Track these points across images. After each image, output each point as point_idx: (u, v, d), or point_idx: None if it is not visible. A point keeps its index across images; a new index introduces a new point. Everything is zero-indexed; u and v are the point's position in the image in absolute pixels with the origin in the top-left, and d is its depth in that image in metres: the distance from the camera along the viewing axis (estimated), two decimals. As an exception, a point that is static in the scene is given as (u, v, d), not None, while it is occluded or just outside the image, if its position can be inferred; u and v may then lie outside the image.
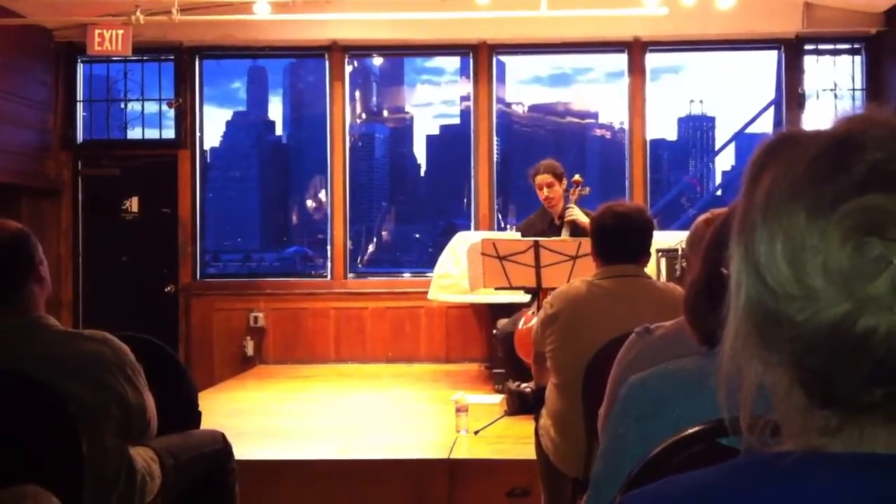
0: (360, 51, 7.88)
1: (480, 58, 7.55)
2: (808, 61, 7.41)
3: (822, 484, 0.60)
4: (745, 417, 0.67)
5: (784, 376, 0.64)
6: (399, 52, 8.61)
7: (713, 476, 0.66)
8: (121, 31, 6.34)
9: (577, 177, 5.65)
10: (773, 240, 0.63)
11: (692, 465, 0.70)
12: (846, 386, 0.61)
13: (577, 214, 5.52)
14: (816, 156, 0.64)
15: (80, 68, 7.63)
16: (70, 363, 2.36)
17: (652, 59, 7.64)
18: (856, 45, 7.35)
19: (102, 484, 2.39)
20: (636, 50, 7.44)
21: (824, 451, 0.63)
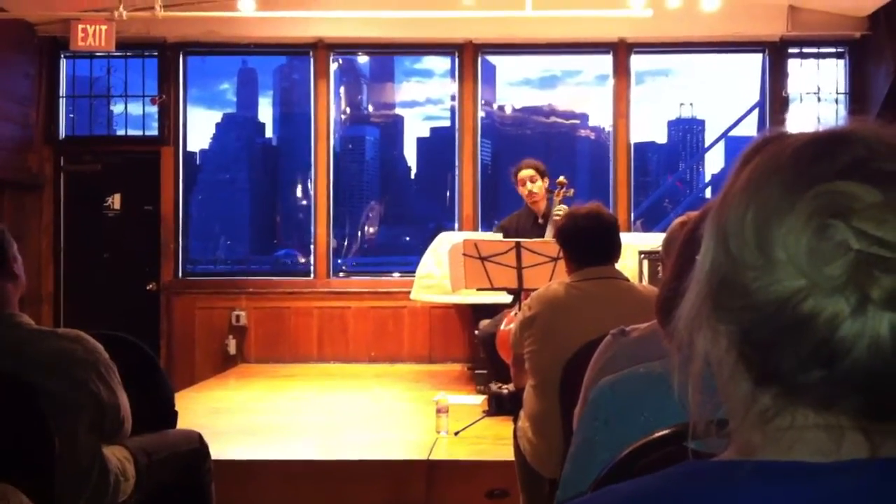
0: (345, 49, 7.85)
1: (466, 57, 7.54)
2: (792, 64, 7.42)
3: (750, 493, 0.61)
4: (695, 392, 0.68)
5: (729, 352, 0.65)
6: (384, 51, 8.59)
7: (647, 484, 0.66)
8: (104, 27, 6.29)
9: (561, 178, 5.64)
10: (746, 209, 0.64)
11: (659, 468, 0.69)
12: (786, 362, 0.62)
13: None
14: (805, 142, 0.65)
15: (63, 63, 7.58)
16: (42, 360, 2.34)
17: (640, 62, 7.66)
18: (839, 49, 7.36)
19: (74, 483, 2.37)
20: (621, 51, 7.44)
21: (754, 458, 0.63)
